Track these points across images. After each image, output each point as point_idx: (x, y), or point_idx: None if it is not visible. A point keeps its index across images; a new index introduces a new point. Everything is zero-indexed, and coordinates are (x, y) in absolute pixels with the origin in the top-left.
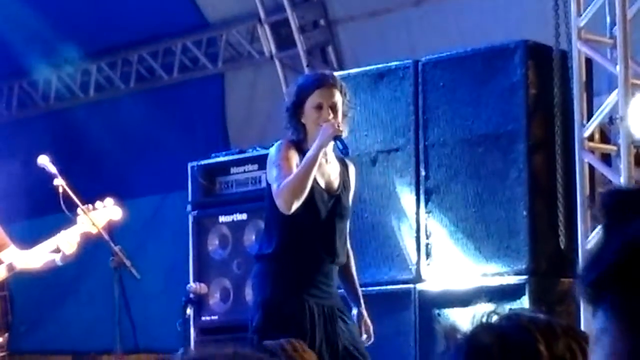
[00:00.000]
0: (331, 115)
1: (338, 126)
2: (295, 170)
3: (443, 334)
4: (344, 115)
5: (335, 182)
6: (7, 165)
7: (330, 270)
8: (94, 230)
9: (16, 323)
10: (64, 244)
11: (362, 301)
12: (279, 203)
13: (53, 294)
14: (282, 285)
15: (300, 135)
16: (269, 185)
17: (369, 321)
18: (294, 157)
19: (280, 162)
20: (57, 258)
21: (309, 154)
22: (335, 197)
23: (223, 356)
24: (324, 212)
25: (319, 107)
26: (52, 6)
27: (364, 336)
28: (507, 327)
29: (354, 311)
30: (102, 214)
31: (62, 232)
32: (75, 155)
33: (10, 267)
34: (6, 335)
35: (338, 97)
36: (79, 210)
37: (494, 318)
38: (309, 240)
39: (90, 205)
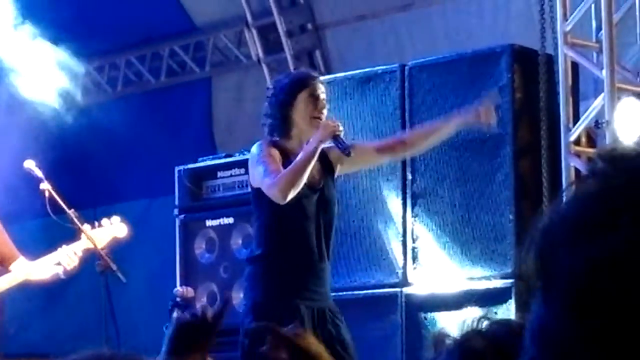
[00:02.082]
0: (325, 108)
1: (338, 125)
2: (279, 165)
3: (433, 339)
4: None
5: (317, 175)
6: None
7: (321, 270)
8: (99, 247)
9: (4, 325)
10: (64, 258)
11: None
12: (274, 193)
13: (41, 296)
14: (271, 287)
15: (285, 134)
16: (254, 188)
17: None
18: (277, 154)
19: (265, 159)
20: (60, 271)
21: (307, 146)
22: (318, 190)
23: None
24: (309, 209)
25: (315, 98)
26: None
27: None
28: (499, 332)
29: (455, 120)
30: (107, 232)
31: (64, 247)
32: (62, 159)
33: None
34: None
35: (326, 92)
36: (84, 227)
37: (485, 323)
38: (297, 240)
39: (96, 222)
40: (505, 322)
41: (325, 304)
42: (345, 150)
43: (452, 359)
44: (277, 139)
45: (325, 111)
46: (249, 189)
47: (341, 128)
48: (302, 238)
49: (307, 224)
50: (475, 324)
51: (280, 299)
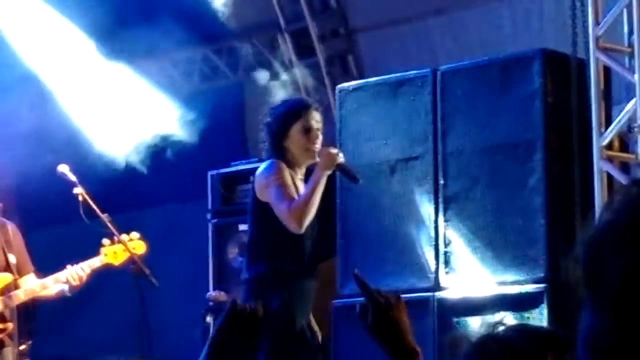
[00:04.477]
0: (319, 138)
1: (338, 153)
2: (293, 188)
3: (450, 342)
4: None
5: None
6: (28, 173)
7: (313, 283)
8: (117, 263)
9: (38, 329)
10: (71, 276)
11: None
12: (292, 223)
13: (73, 301)
14: (284, 306)
15: (282, 157)
16: (257, 201)
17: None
18: (288, 176)
19: (279, 181)
20: (66, 288)
21: (314, 177)
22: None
23: None
24: (307, 232)
25: (307, 131)
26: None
27: None
28: (515, 337)
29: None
30: (125, 248)
31: (69, 266)
32: (94, 164)
33: (5, 303)
34: (29, 342)
35: (320, 122)
36: (104, 241)
37: (501, 328)
38: (298, 258)
39: (115, 237)
40: (520, 328)
41: (311, 317)
42: (355, 178)
43: None
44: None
45: (318, 141)
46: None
47: (341, 154)
48: (302, 258)
49: (306, 244)
50: (491, 328)
51: (296, 316)
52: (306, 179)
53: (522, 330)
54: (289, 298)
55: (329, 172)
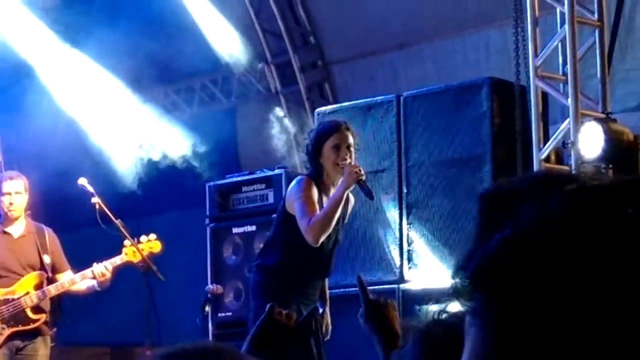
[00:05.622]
0: (348, 155)
1: (360, 170)
2: (316, 205)
3: (402, 329)
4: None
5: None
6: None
7: (319, 284)
8: (136, 261)
9: (62, 319)
10: (97, 273)
11: (328, 303)
12: (309, 237)
13: (92, 294)
14: (280, 296)
15: (319, 174)
16: (284, 211)
17: (329, 320)
18: (314, 192)
19: (304, 198)
20: (96, 284)
21: (335, 194)
22: (336, 228)
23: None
24: (326, 241)
25: (337, 148)
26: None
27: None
28: (457, 322)
29: (320, 310)
30: (145, 247)
31: (95, 264)
32: (110, 178)
33: (39, 297)
34: (54, 330)
35: (351, 140)
36: (125, 242)
37: (445, 315)
38: (309, 262)
39: (136, 238)
40: (462, 315)
41: (314, 305)
42: (370, 193)
43: (416, 346)
44: (314, 176)
45: (348, 157)
46: (269, 201)
47: (363, 172)
48: (314, 262)
49: (322, 252)
50: (436, 315)
51: (288, 306)
52: None
53: (463, 317)
54: (288, 286)
55: (350, 189)
